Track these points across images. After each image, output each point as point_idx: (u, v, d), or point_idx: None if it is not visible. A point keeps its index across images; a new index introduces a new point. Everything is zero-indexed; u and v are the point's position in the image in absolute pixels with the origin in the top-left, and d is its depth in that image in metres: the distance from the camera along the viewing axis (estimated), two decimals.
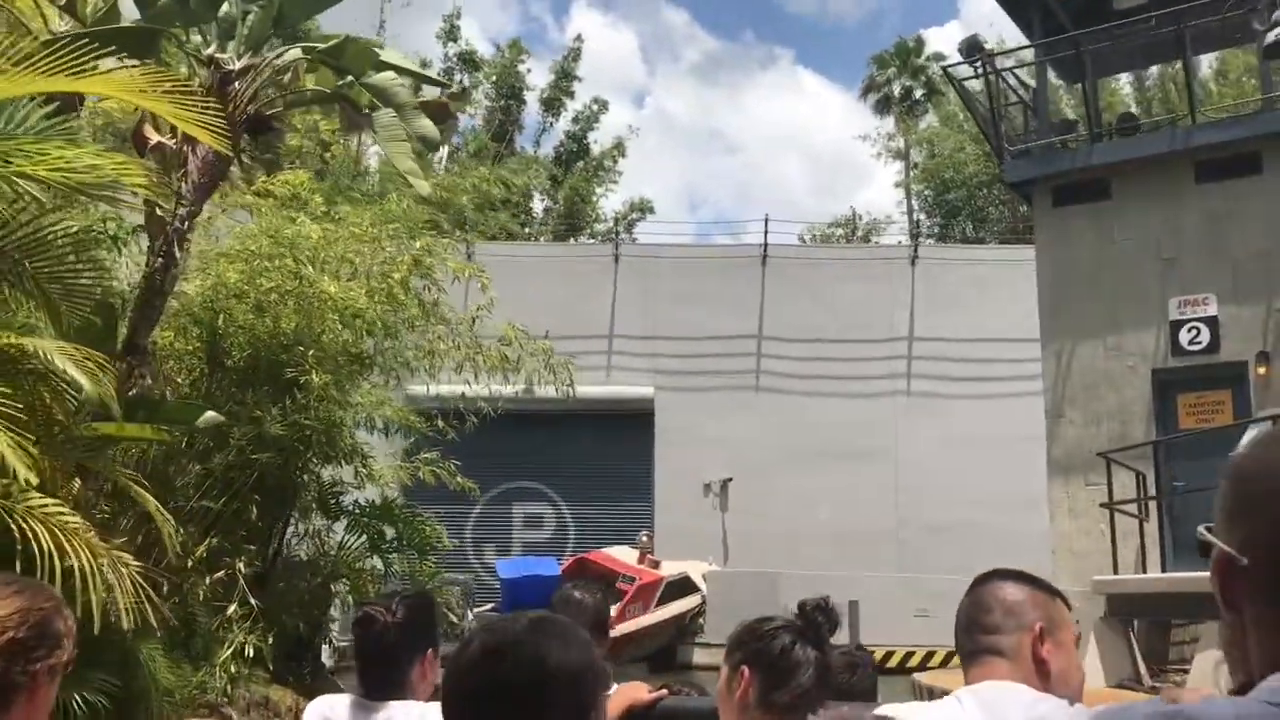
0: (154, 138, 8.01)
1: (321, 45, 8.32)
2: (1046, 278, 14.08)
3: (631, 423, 26.36)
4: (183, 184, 7.91)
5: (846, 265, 27.45)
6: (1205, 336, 12.66)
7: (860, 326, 26.53)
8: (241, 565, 8.58)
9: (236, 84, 8.09)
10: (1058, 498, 13.38)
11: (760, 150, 69.77)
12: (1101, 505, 11.92)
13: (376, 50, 8.58)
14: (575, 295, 26.75)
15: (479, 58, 34.91)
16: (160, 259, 7.83)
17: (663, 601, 21.92)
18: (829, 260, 27.75)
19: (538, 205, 35.00)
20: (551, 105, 35.71)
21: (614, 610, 21.00)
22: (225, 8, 8.16)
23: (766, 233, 27.17)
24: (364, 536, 10.78)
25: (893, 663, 20.51)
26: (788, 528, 24.51)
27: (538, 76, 35.48)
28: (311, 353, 9.14)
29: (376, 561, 10.86)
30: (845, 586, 23.37)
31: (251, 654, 8.17)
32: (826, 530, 24.86)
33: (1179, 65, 17.93)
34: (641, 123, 68.18)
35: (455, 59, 34.66)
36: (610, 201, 35.44)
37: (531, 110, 36.51)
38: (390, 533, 11.03)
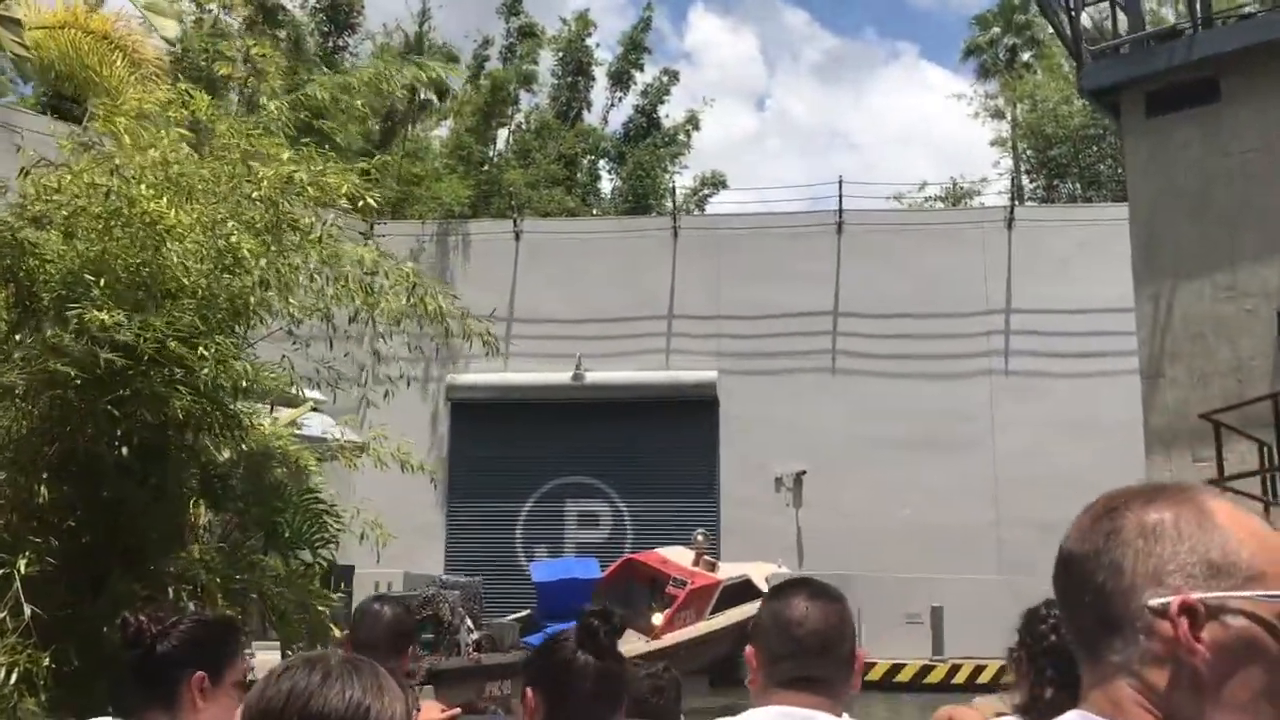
0: None
1: None
2: (1141, 205, 11.29)
3: (693, 410, 24.05)
4: None
5: (933, 231, 24.56)
6: None
7: (949, 299, 23.67)
8: (22, 565, 6.60)
9: None
10: (1159, 478, 10.54)
11: (883, 148, 67.66)
12: (1211, 482, 9.12)
13: None
14: (631, 273, 24.57)
15: (540, 30, 32.99)
16: None
17: (720, 608, 19.53)
18: (913, 225, 24.88)
19: (606, 186, 32.96)
20: (620, 79, 33.59)
21: (662, 617, 18.80)
22: None
23: (841, 196, 24.50)
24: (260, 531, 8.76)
25: (984, 678, 17.77)
26: (868, 525, 21.89)
27: (648, 78, 33.46)
28: (139, 292, 7.17)
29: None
30: (929, 590, 20.76)
31: (14, 678, 6.19)
32: (912, 528, 22.22)
33: None
34: (762, 125, 67.21)
35: (515, 33, 32.81)
36: (683, 179, 33.21)
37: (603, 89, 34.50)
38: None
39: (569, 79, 33.53)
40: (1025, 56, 34.39)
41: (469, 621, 15.24)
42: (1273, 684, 1.13)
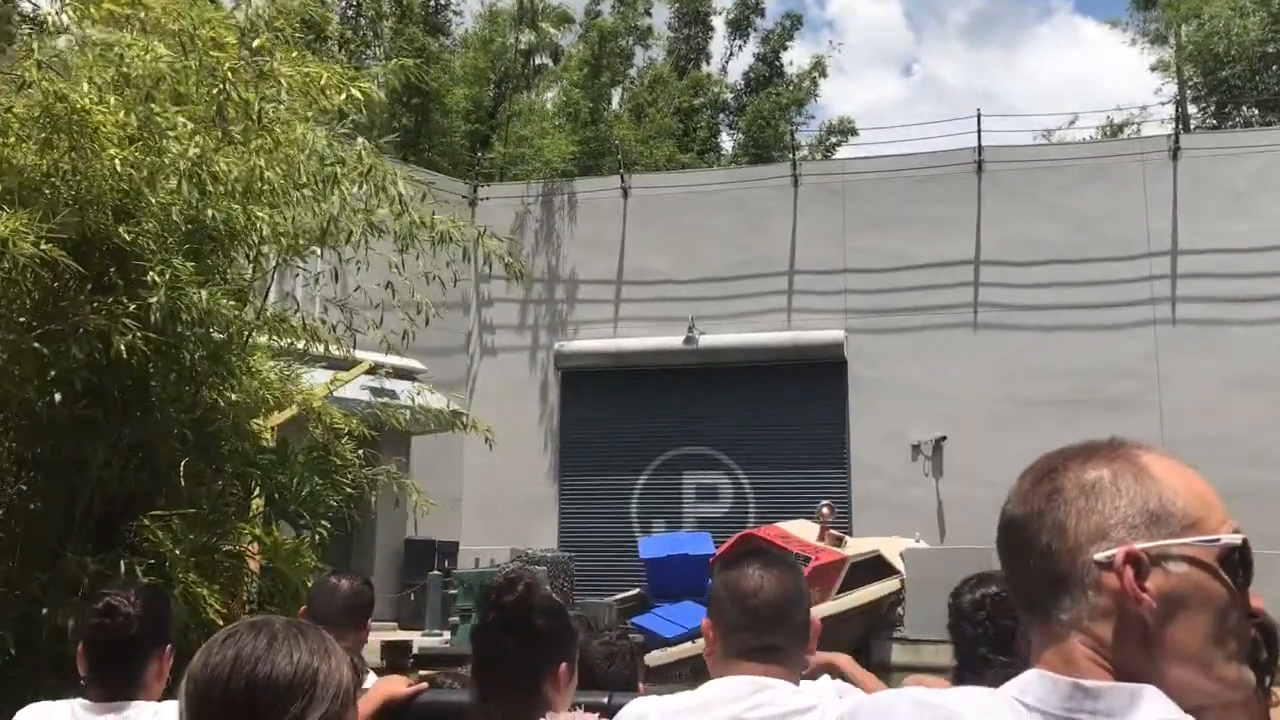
0: None
1: None
2: None
3: (819, 373, 22.13)
4: None
5: (1086, 166, 21.96)
6: None
7: (1106, 241, 21.15)
8: None
9: None
10: None
11: (1038, 108, 64.35)
12: None
13: None
14: (748, 227, 22.76)
15: None
16: None
17: (848, 586, 17.69)
18: (1062, 161, 22.29)
19: (727, 143, 31.12)
20: (739, 26, 31.67)
21: None
22: None
23: (980, 132, 22.14)
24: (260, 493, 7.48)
25: None
26: None
27: (798, 53, 31.94)
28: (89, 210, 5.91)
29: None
30: None
31: None
32: None
33: None
34: (910, 91, 65.18)
35: None
36: (809, 131, 31.16)
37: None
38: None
39: (686, 31, 31.90)
40: None
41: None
42: (1216, 628, 1.17)
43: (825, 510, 18.78)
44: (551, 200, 24.11)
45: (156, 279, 6.30)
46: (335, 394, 11.50)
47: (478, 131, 28.03)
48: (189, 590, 6.38)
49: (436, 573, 16.90)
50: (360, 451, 8.74)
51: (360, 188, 6.09)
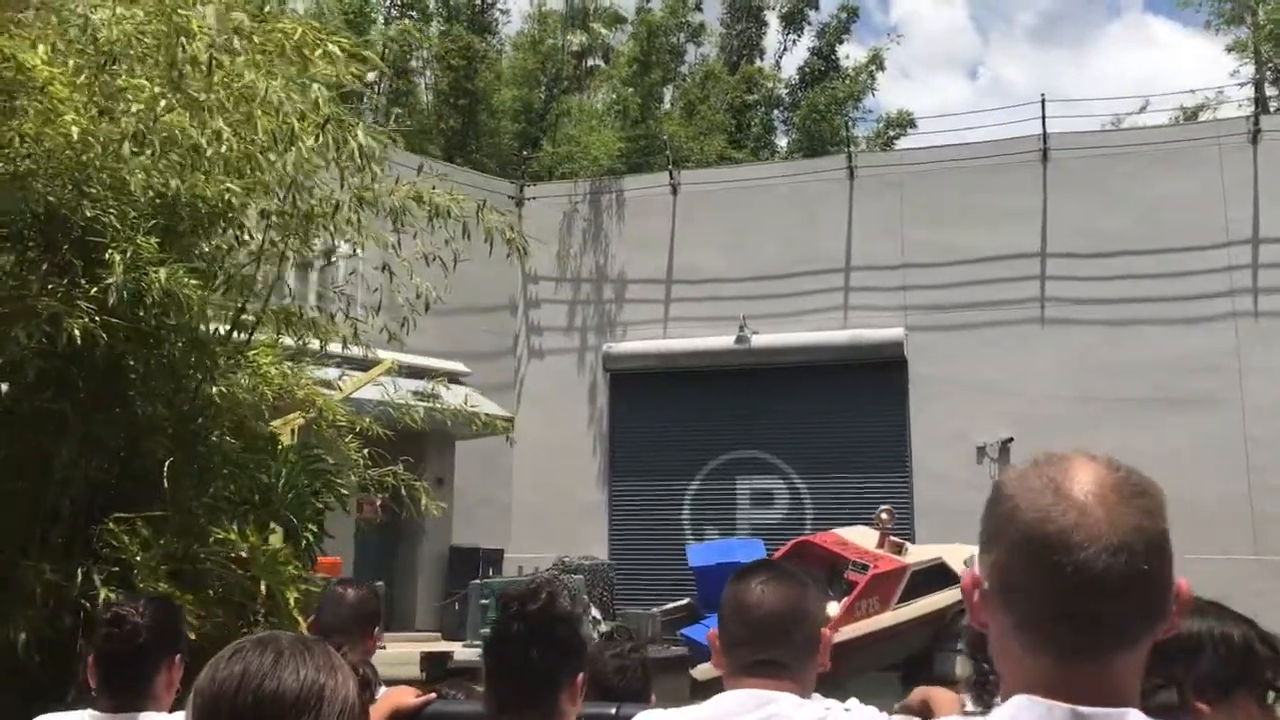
0: None
1: None
2: None
3: (878, 373, 21.25)
4: None
5: (1158, 152, 20.81)
6: None
7: (1181, 230, 20.01)
8: None
9: None
10: None
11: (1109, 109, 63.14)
12: None
13: None
14: (802, 222, 21.95)
15: None
16: None
17: (909, 595, 16.82)
18: (1133, 148, 21.14)
19: (782, 140, 30.25)
20: (793, 20, 30.82)
21: (839, 607, 16.32)
22: None
23: (1044, 118, 21.11)
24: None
25: None
26: None
27: (856, 51, 31.21)
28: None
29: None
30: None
31: None
32: None
33: None
34: (976, 95, 64.47)
35: None
36: (866, 125, 30.23)
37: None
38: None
39: (738, 27, 31.13)
40: None
41: (595, 611, 13.11)
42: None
43: (885, 516, 17.95)
44: (599, 199, 23.51)
45: (117, 258, 5.76)
46: (355, 393, 10.97)
47: (527, 133, 27.54)
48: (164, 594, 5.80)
49: (478, 581, 16.33)
50: (366, 451, 8.19)
51: (317, 139, 5.45)
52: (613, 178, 23.64)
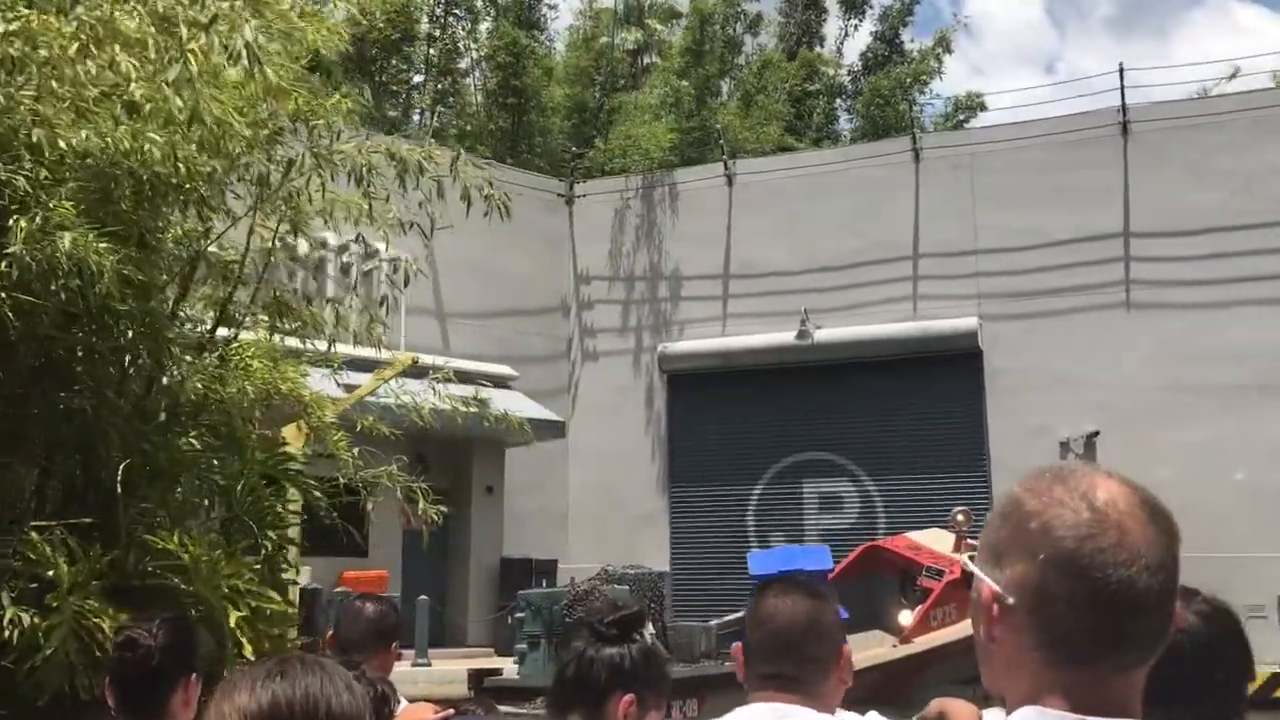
0: None
1: None
2: None
3: (951, 366, 20.10)
4: None
5: (1251, 120, 19.31)
6: None
7: (1275, 203, 18.51)
8: None
9: None
10: None
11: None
12: None
13: None
14: (865, 210, 20.85)
15: None
16: None
17: None
18: (1222, 116, 19.66)
19: (845, 128, 29.07)
20: (854, 5, 29.63)
21: (913, 615, 15.22)
22: None
23: (1123, 89, 19.71)
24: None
25: None
26: (1186, 496, 16.68)
27: (924, 38, 30.20)
28: None
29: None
30: (1275, 575, 16.27)
31: None
32: (1248, 496, 17.60)
33: None
34: (1054, 90, 63.53)
35: None
36: (933, 105, 28.99)
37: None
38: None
39: (797, 16, 30.05)
40: None
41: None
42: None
43: (961, 518, 16.71)
44: (651, 193, 22.61)
45: (23, 223, 4.97)
46: (373, 394, 10.20)
47: (580, 131, 26.77)
48: (81, 619, 4.99)
49: (521, 593, 15.48)
50: (356, 450, 7.37)
51: (204, 38, 4.59)
52: (665, 171, 22.74)
